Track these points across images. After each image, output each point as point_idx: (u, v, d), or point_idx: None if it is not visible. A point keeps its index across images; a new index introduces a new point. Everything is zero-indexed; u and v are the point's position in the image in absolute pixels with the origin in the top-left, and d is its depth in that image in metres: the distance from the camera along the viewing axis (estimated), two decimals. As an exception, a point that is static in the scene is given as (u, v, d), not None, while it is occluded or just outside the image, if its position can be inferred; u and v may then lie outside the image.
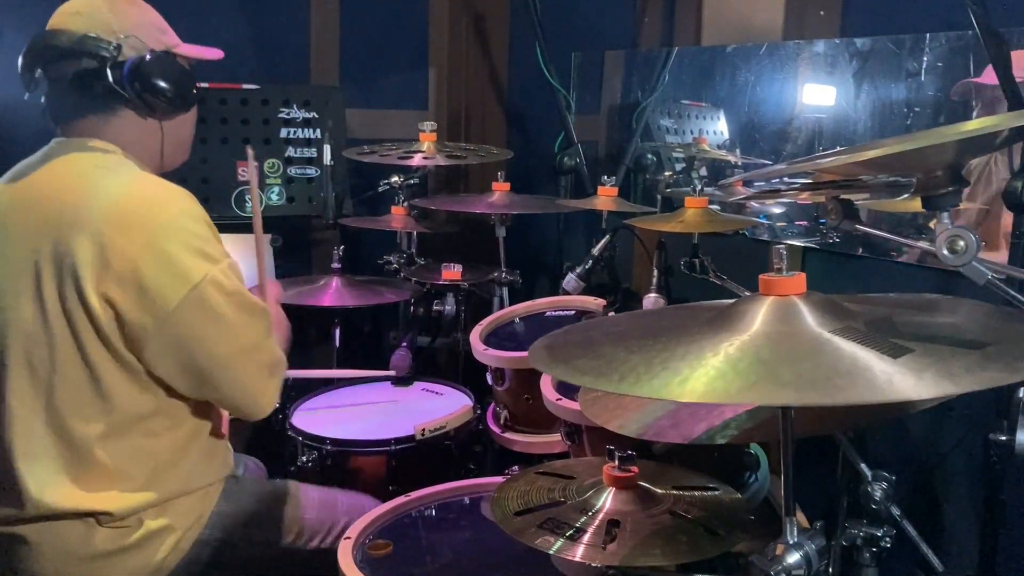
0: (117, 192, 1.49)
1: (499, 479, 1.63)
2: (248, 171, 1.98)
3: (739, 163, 2.57)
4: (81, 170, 1.53)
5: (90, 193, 1.48)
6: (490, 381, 2.15)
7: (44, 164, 1.57)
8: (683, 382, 0.93)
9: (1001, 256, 1.80)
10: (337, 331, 2.74)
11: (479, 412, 2.22)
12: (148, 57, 1.56)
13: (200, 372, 1.51)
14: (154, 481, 1.55)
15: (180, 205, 1.51)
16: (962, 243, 1.07)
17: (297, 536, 1.70)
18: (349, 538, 1.57)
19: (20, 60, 1.58)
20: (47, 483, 1.49)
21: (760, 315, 1.04)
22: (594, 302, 2.35)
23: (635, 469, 1.37)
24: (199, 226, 1.51)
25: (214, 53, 1.74)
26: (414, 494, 1.75)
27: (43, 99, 1.61)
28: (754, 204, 2.47)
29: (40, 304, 1.46)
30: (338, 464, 2.07)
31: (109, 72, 1.53)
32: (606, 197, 2.42)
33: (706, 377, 0.93)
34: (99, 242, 1.43)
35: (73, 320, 1.45)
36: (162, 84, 1.57)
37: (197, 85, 1.66)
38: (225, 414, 1.70)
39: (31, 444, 1.49)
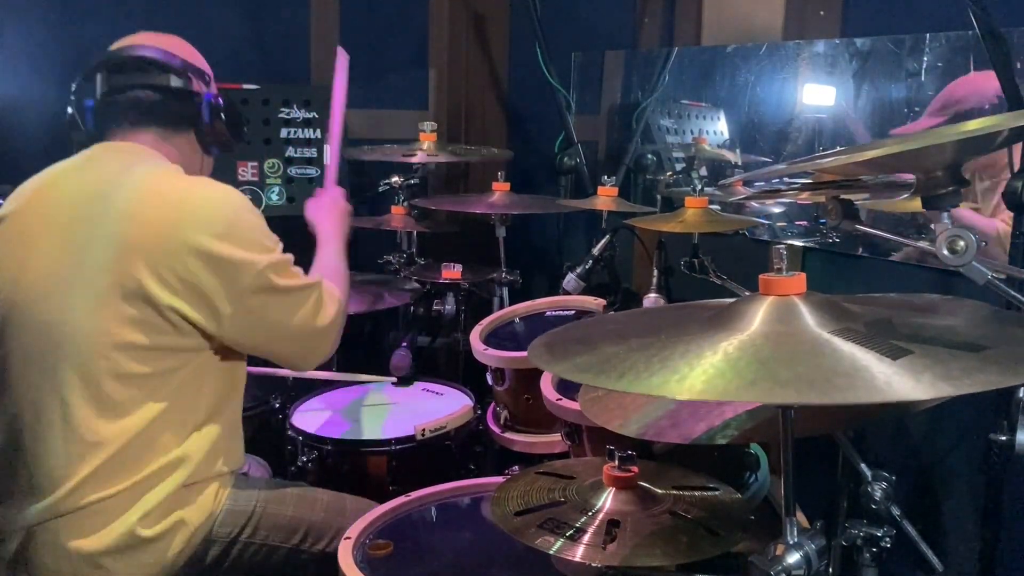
0: (192, 193, 1.59)
1: (499, 479, 1.63)
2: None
3: (739, 163, 2.57)
4: (155, 175, 1.61)
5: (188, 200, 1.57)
6: (490, 381, 2.15)
7: (92, 165, 1.64)
8: (682, 380, 0.93)
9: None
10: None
11: (479, 412, 2.22)
12: (220, 95, 1.76)
13: (261, 349, 1.65)
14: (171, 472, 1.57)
15: (236, 201, 1.62)
16: (962, 243, 1.07)
17: (303, 538, 1.70)
18: (349, 538, 1.57)
19: (94, 65, 1.69)
20: (64, 476, 1.50)
21: (760, 315, 1.04)
22: (594, 302, 2.35)
23: (635, 469, 1.37)
24: (255, 217, 1.62)
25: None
26: (414, 494, 1.75)
27: (91, 104, 1.70)
28: (754, 204, 2.47)
29: (94, 301, 1.49)
30: (338, 464, 2.07)
31: (193, 97, 1.71)
32: (606, 197, 2.42)
33: (705, 375, 0.93)
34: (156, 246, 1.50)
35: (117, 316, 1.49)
36: (232, 122, 1.79)
37: (242, 123, 1.86)
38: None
39: (55, 437, 1.51)
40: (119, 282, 1.48)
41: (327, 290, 1.70)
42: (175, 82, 1.69)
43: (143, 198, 1.54)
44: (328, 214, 1.95)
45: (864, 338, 0.97)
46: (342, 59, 2.13)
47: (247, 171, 2.97)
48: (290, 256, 1.64)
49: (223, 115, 1.76)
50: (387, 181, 2.89)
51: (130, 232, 1.50)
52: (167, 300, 1.49)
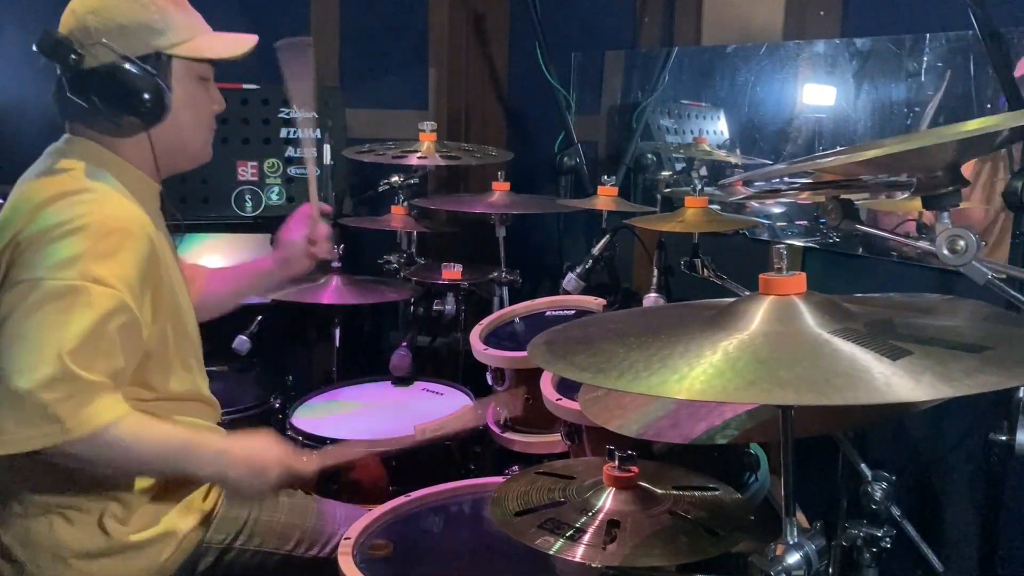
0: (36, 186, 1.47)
1: (499, 479, 1.63)
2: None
3: (739, 163, 2.57)
4: (62, 176, 1.49)
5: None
6: (490, 381, 2.14)
7: (43, 160, 1.56)
8: (681, 380, 0.93)
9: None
10: (337, 331, 2.74)
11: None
12: (94, 69, 1.48)
13: None
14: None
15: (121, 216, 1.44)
16: (962, 243, 1.07)
17: (296, 544, 1.70)
18: (349, 538, 1.57)
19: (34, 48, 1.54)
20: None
21: (759, 314, 1.04)
22: (594, 302, 2.34)
23: (635, 469, 1.37)
24: (110, 240, 1.40)
25: (236, 45, 1.64)
26: (414, 494, 1.75)
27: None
28: (754, 204, 2.47)
29: None
30: (338, 464, 2.07)
31: (68, 82, 1.49)
32: (606, 197, 2.42)
33: (704, 375, 0.93)
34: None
35: None
36: (113, 96, 1.49)
37: (160, 94, 1.52)
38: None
39: None
40: None
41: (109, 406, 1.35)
42: (60, 68, 1.49)
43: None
44: (256, 449, 1.55)
45: (864, 338, 0.97)
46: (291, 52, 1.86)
47: (247, 171, 2.97)
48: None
49: (96, 91, 1.49)
50: (387, 181, 2.89)
51: None
52: None
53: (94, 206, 1.43)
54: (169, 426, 1.49)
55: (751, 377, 0.93)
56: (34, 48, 1.51)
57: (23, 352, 1.31)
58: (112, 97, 1.50)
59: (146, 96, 1.51)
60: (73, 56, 1.47)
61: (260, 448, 1.54)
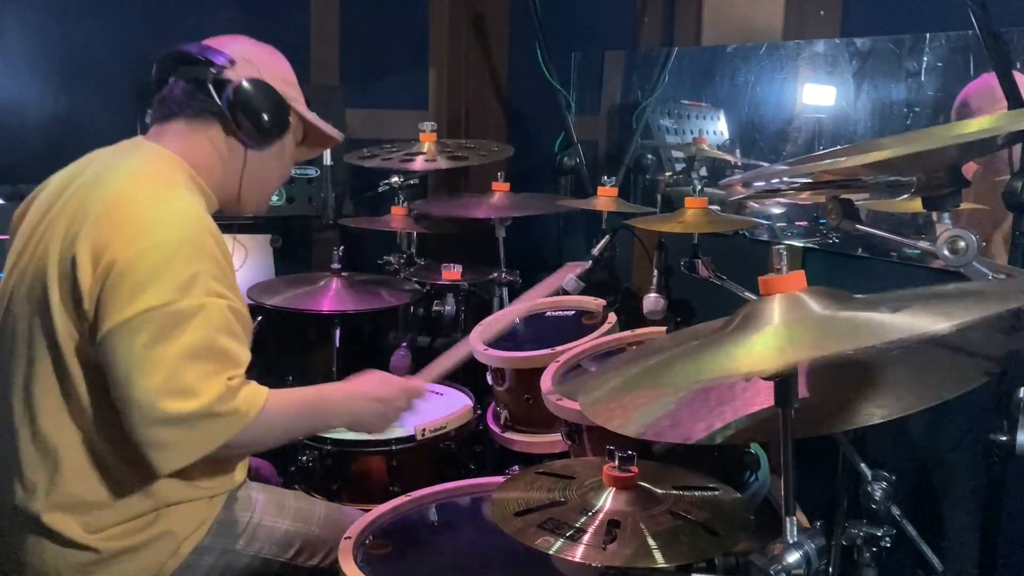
0: (116, 188, 1.48)
1: (499, 479, 1.63)
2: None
3: (739, 163, 2.57)
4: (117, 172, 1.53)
5: (97, 189, 1.49)
6: (490, 381, 2.14)
7: (115, 156, 1.59)
8: (750, 353, 1.01)
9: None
10: (337, 331, 2.73)
11: (479, 412, 2.22)
12: (248, 80, 1.58)
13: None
14: (149, 488, 1.53)
15: (201, 224, 1.48)
16: (962, 243, 1.07)
17: (298, 552, 1.69)
18: (349, 538, 1.56)
19: (156, 63, 1.63)
20: (38, 487, 1.49)
21: (776, 310, 1.07)
22: (594, 302, 2.34)
23: (635, 469, 1.37)
24: (206, 254, 1.45)
25: (332, 132, 1.78)
26: (414, 494, 1.75)
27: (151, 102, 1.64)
28: (754, 204, 2.47)
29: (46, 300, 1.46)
30: (338, 464, 2.07)
31: (211, 83, 1.57)
32: (606, 197, 2.42)
33: (765, 346, 1.01)
34: (87, 242, 1.42)
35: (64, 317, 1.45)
36: (256, 105, 1.58)
37: (287, 116, 1.64)
38: None
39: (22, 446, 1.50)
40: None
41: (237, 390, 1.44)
42: (199, 71, 1.58)
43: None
44: (374, 384, 1.68)
45: (869, 306, 1.04)
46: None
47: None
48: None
49: (251, 95, 1.58)
50: (387, 181, 2.89)
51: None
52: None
53: (191, 213, 1.49)
54: (296, 391, 1.61)
55: (807, 336, 1.01)
56: (189, 51, 1.59)
57: (165, 373, 1.37)
58: (247, 105, 1.58)
59: (276, 111, 1.61)
60: (215, 69, 1.57)
61: (378, 383, 1.68)
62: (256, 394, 1.46)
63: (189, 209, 1.49)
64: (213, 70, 1.57)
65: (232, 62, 1.59)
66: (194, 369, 1.38)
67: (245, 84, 1.58)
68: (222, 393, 1.40)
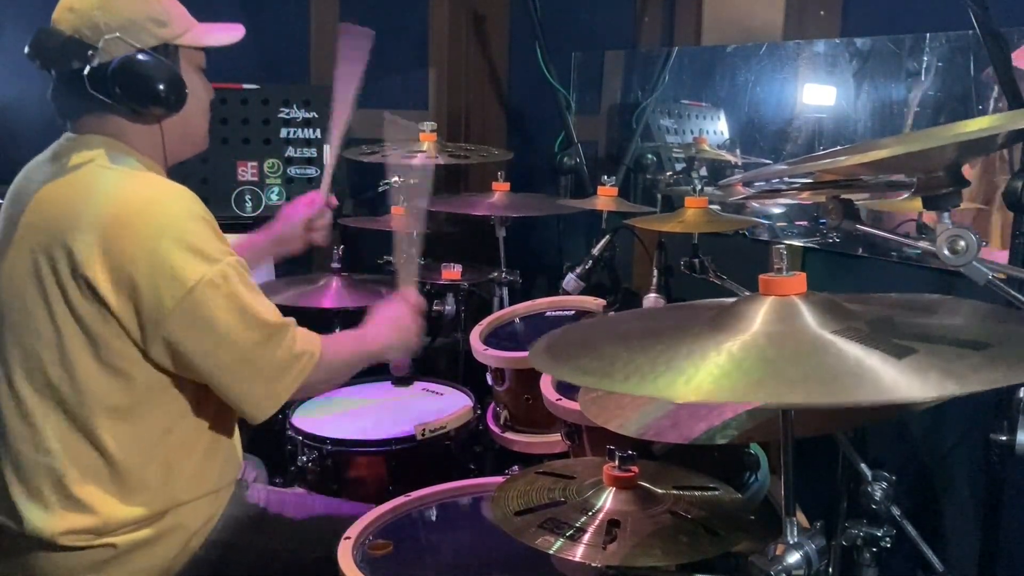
0: (116, 191, 1.49)
1: (499, 479, 1.63)
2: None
3: (739, 163, 2.57)
4: (84, 168, 1.53)
5: (91, 192, 1.48)
6: (490, 381, 2.14)
7: (51, 162, 1.57)
8: (688, 381, 0.92)
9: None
10: (337, 331, 2.73)
11: (479, 412, 2.22)
12: (116, 62, 1.50)
13: (199, 375, 1.51)
14: (161, 484, 1.54)
15: (179, 204, 1.50)
16: (963, 243, 1.07)
17: (301, 544, 1.70)
18: (349, 538, 1.56)
19: (27, 52, 1.58)
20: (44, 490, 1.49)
21: (760, 315, 1.04)
22: (594, 302, 2.34)
23: (635, 469, 1.37)
24: (197, 224, 1.49)
25: (229, 34, 1.66)
26: (414, 494, 1.75)
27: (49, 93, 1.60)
28: (754, 204, 2.47)
29: (46, 306, 1.47)
30: (338, 464, 2.07)
31: (87, 78, 1.50)
32: (606, 197, 2.42)
33: (711, 376, 0.92)
34: (98, 244, 1.43)
35: (81, 319, 1.46)
36: (139, 88, 1.52)
37: (181, 82, 1.57)
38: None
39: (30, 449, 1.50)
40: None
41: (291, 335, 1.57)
42: (74, 64, 1.50)
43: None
44: (393, 320, 1.80)
45: (867, 337, 0.96)
46: (352, 38, 2.00)
47: (247, 171, 2.97)
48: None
49: (129, 79, 1.50)
50: (387, 181, 2.88)
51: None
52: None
53: (165, 188, 1.53)
54: (336, 332, 1.75)
55: (759, 376, 0.92)
56: (30, 50, 1.54)
57: (231, 340, 1.49)
58: (135, 89, 1.52)
59: (167, 86, 1.55)
60: (89, 52, 1.50)
61: (398, 311, 1.80)
62: (309, 333, 1.59)
63: (173, 191, 1.53)
64: (87, 58, 1.50)
65: (94, 49, 1.50)
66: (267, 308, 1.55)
67: (122, 68, 1.50)
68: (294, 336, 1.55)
